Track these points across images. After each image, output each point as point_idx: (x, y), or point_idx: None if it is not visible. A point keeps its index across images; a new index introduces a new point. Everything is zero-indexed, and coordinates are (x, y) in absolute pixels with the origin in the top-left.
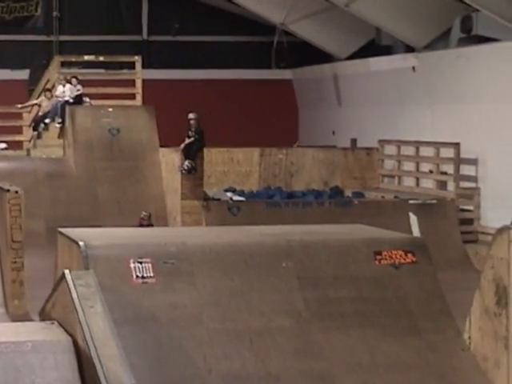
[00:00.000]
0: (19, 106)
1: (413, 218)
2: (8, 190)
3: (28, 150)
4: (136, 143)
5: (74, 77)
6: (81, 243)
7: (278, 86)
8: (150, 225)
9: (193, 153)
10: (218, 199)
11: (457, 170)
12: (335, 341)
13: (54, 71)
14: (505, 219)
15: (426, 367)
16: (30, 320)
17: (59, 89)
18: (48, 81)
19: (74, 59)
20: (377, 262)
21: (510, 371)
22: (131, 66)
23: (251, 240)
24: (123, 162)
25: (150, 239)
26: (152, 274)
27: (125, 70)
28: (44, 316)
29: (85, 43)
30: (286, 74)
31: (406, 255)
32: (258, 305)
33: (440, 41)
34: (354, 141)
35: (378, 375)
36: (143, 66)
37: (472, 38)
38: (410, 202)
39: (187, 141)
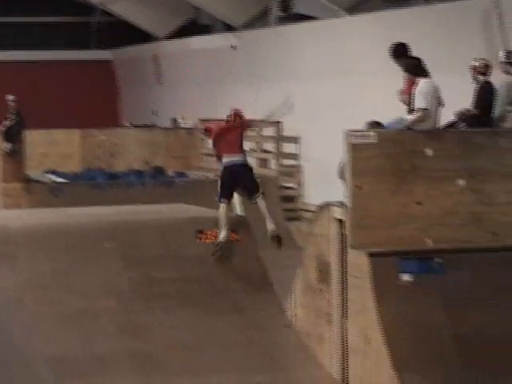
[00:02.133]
0: None
1: (236, 197)
2: None
3: None
4: None
5: None
6: None
7: (98, 66)
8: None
9: (13, 135)
10: (40, 181)
11: (278, 147)
12: (159, 321)
13: None
14: (326, 196)
15: (250, 345)
16: None
17: None
18: None
19: None
20: (200, 241)
21: (333, 346)
22: None
23: (74, 222)
24: None
25: None
26: None
27: None
28: None
29: None
30: (105, 54)
31: None
32: (82, 286)
33: (259, 20)
34: (175, 120)
35: (202, 354)
36: None
37: (291, 17)
38: None
39: (7, 123)
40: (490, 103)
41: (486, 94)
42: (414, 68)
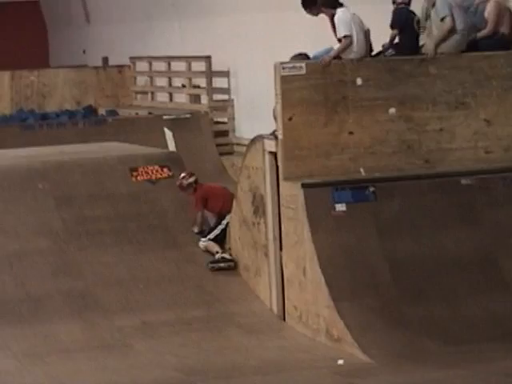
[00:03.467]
0: None
1: (168, 133)
2: None
3: None
4: None
5: None
6: None
7: (25, 7)
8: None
9: None
10: None
11: (209, 82)
12: (94, 259)
13: None
14: (258, 129)
15: (186, 279)
16: None
17: None
18: None
19: None
20: (133, 179)
21: (271, 279)
22: None
23: (6, 163)
24: None
25: None
26: None
27: None
28: None
29: None
30: None
31: (161, 170)
32: (15, 227)
33: None
34: (105, 59)
35: (139, 290)
36: None
37: None
38: (164, 117)
39: None
40: (404, 23)
41: (398, 14)
42: (332, 2)
